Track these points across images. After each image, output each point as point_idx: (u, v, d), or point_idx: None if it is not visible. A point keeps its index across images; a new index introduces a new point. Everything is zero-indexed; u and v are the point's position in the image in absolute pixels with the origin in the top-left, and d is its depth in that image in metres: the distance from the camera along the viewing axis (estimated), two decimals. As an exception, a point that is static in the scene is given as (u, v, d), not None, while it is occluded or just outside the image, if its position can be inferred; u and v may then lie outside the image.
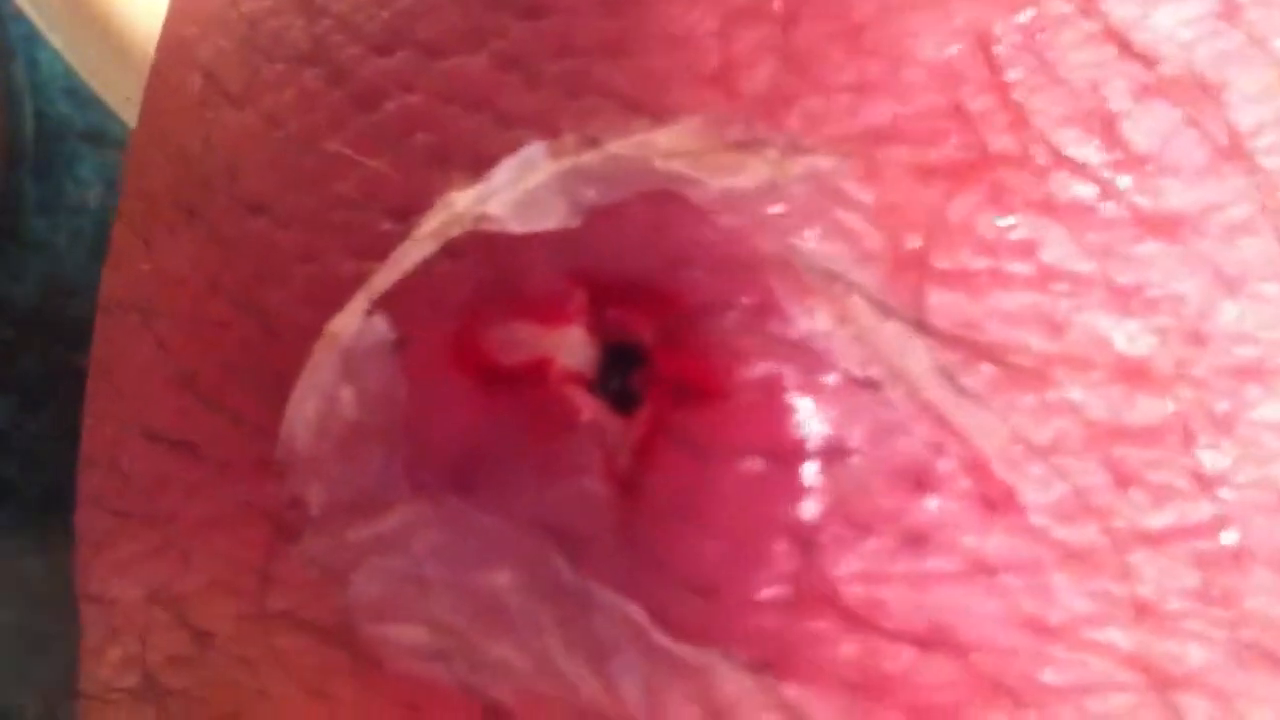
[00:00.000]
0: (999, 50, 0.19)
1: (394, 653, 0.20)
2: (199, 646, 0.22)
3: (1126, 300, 0.19)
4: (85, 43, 0.51)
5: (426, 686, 0.20)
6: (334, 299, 0.21)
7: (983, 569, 0.18)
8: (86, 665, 0.24)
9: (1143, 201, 0.19)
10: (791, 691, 0.18)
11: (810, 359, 0.19)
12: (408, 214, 0.20)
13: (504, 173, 0.20)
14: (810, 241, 0.19)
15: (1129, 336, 0.19)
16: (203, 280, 0.22)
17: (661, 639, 0.18)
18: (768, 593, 0.18)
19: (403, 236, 0.20)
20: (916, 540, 0.18)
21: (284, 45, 0.22)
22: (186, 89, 0.24)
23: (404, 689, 0.20)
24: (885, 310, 0.19)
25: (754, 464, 0.18)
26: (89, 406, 0.25)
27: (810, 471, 0.18)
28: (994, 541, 0.18)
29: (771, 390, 0.19)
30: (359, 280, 0.20)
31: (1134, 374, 0.18)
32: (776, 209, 0.19)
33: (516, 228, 0.20)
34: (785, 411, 0.19)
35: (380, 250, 0.20)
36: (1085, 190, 0.19)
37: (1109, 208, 0.19)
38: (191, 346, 0.22)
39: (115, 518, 0.23)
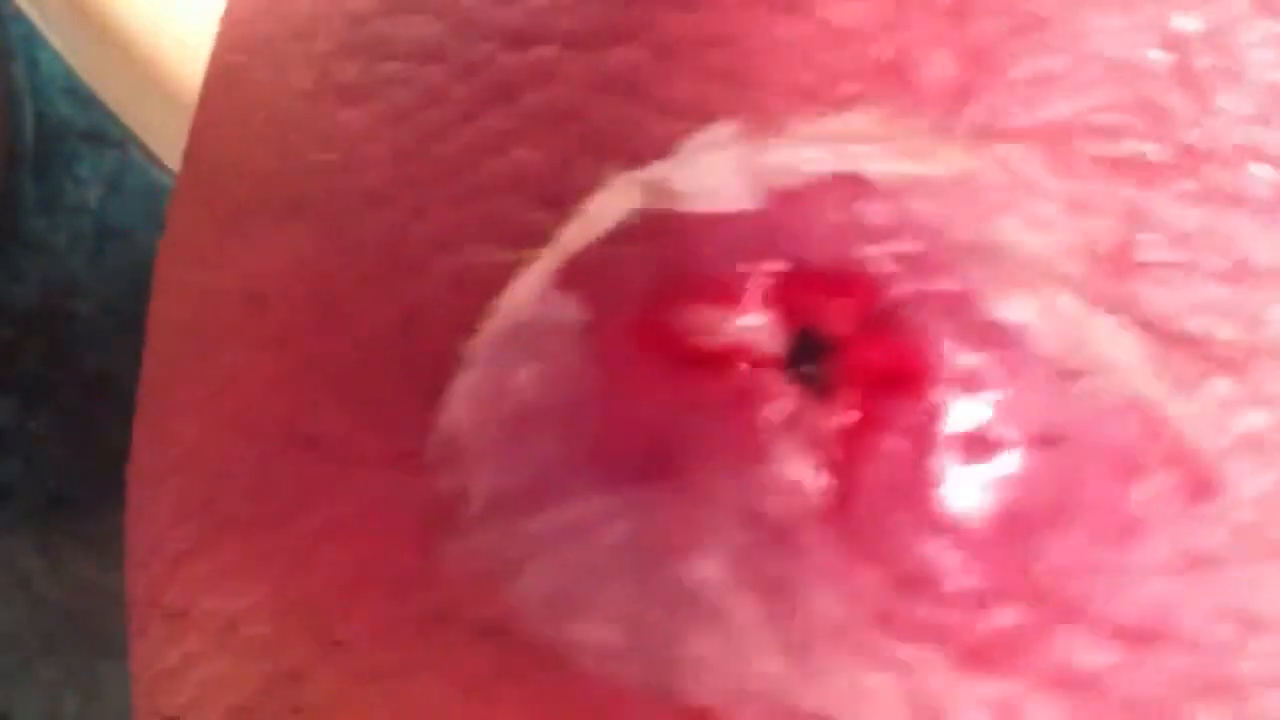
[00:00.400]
0: (1184, 46, 0.19)
1: (578, 652, 0.19)
2: (330, 657, 0.21)
3: None
4: (85, 43, 0.50)
5: (616, 688, 0.19)
6: (485, 287, 0.20)
7: (1193, 561, 0.18)
8: (158, 689, 0.23)
9: None
10: (1004, 688, 0.18)
11: (1016, 349, 0.19)
12: (561, 202, 0.20)
13: (686, 152, 0.19)
14: (1007, 231, 0.19)
15: None
16: (323, 273, 0.22)
17: (871, 634, 0.18)
18: (980, 587, 0.18)
19: (557, 223, 0.20)
20: (1127, 532, 0.18)
21: (399, 43, 0.22)
22: (288, 84, 0.23)
23: (591, 691, 0.19)
24: (1087, 301, 0.19)
25: (966, 455, 0.18)
26: (162, 405, 0.24)
27: (1021, 462, 0.18)
28: (1204, 533, 0.18)
29: (980, 380, 0.18)
30: (510, 267, 0.20)
31: None
32: (971, 197, 0.19)
33: (700, 208, 0.19)
34: (995, 401, 0.18)
35: (535, 238, 0.20)
36: (1276, 185, 0.19)
37: None
38: (316, 338, 0.22)
39: (207, 523, 0.22)
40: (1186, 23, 0.20)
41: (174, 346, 0.25)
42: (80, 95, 0.58)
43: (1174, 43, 0.19)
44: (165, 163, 0.50)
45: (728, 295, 0.19)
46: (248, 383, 0.23)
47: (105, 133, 0.58)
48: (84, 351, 0.57)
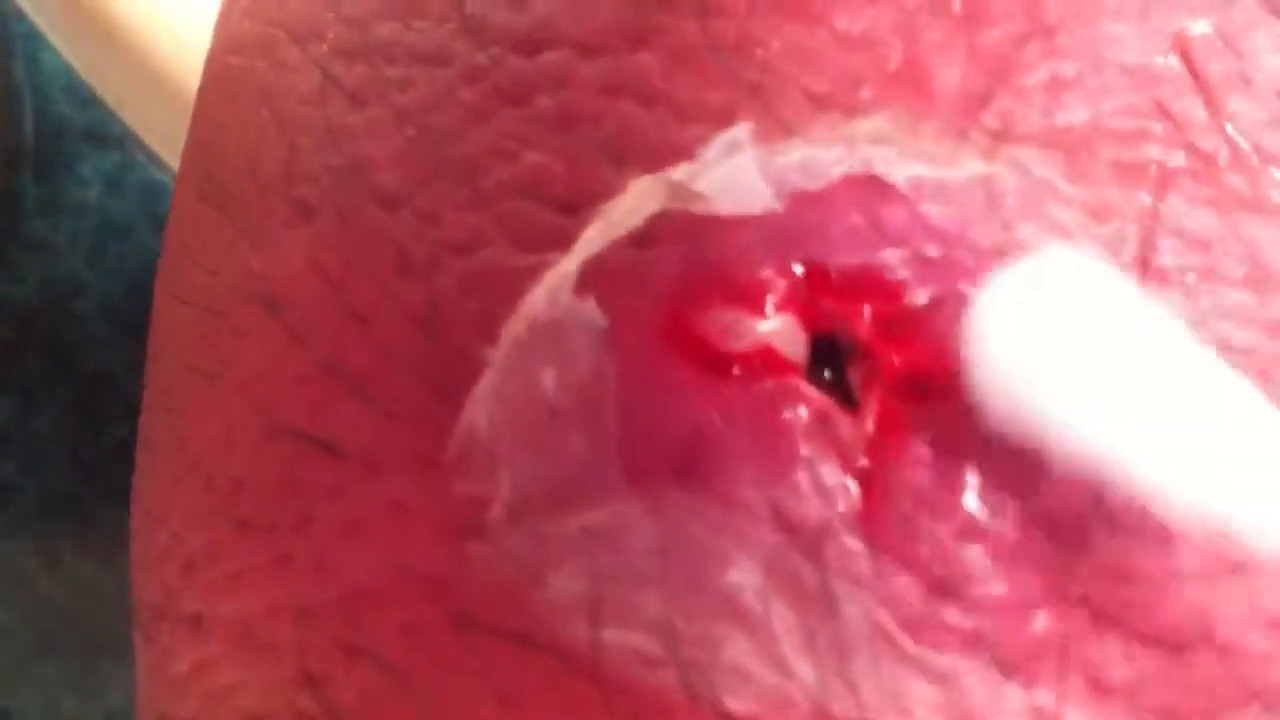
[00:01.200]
0: (1196, 51, 0.19)
1: (614, 658, 0.19)
2: (353, 661, 0.20)
3: None
4: (85, 43, 0.50)
5: (654, 695, 0.19)
6: (504, 290, 0.20)
7: (1229, 568, 0.18)
8: (167, 696, 0.23)
9: None
10: (1042, 696, 0.18)
11: None
12: (578, 206, 0.20)
13: (706, 156, 0.19)
14: (1028, 235, 0.19)
15: None
16: (337, 275, 0.22)
17: (907, 642, 0.18)
18: (1016, 594, 0.18)
19: (576, 226, 0.20)
20: (1164, 538, 0.18)
21: (404, 46, 0.22)
22: (292, 87, 0.23)
23: (629, 698, 0.19)
24: None
25: (1000, 460, 0.18)
26: (174, 407, 0.24)
27: (1056, 467, 0.18)
28: (1240, 539, 0.18)
29: None
30: (529, 271, 0.20)
31: None
32: (989, 201, 0.19)
33: (721, 209, 0.19)
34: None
35: (553, 241, 0.20)
36: None
37: None
38: (334, 340, 0.21)
39: (224, 527, 0.22)
40: (1197, 27, 0.20)
41: (186, 349, 0.24)
42: (80, 95, 0.57)
43: (1185, 48, 0.19)
44: (166, 162, 0.50)
45: (748, 298, 0.19)
46: (267, 385, 0.22)
47: (105, 133, 0.58)
48: (84, 351, 0.56)
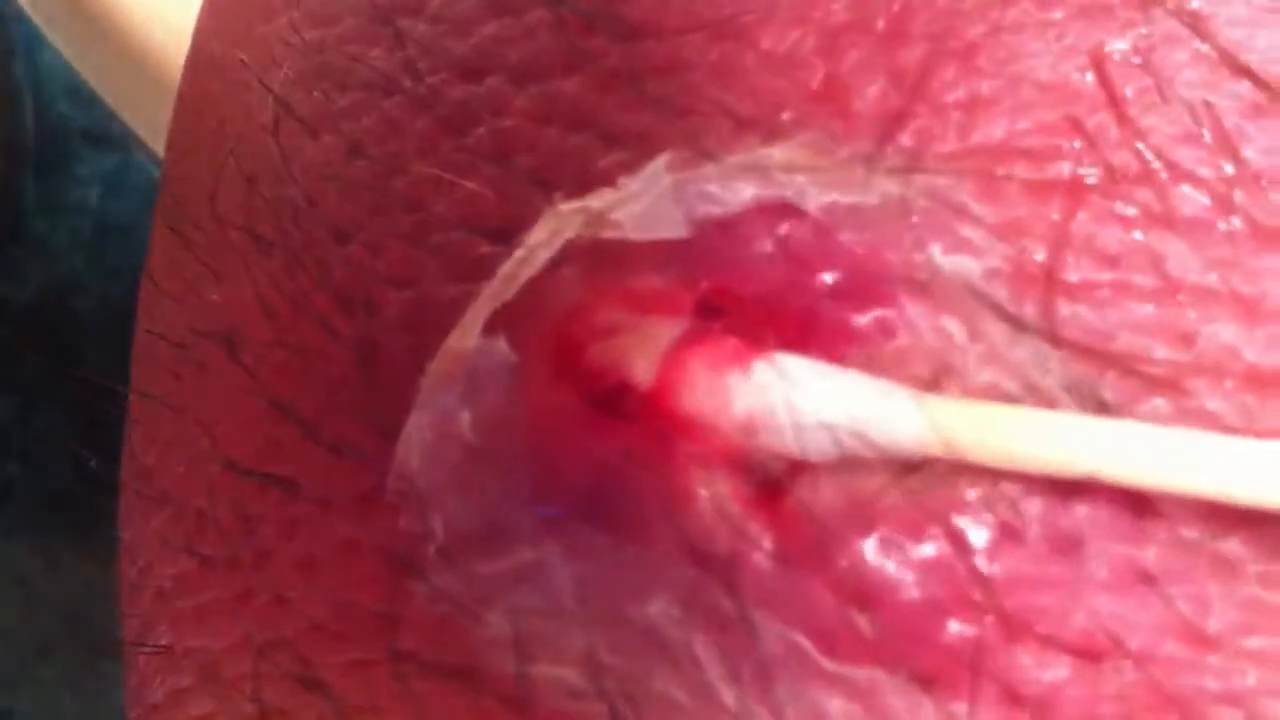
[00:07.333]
0: (1113, 68, 0.20)
1: (544, 693, 0.19)
2: (309, 697, 0.21)
3: (1252, 311, 0.19)
4: (85, 43, 0.50)
5: None
6: (436, 323, 0.20)
7: (1140, 577, 0.18)
8: None
9: (1260, 216, 0.19)
10: (959, 706, 0.18)
11: (948, 375, 0.19)
12: (509, 235, 0.20)
13: (630, 186, 0.20)
14: (936, 257, 0.19)
15: (1257, 346, 0.19)
16: (287, 310, 0.22)
17: (825, 661, 0.18)
18: (929, 606, 0.18)
19: (505, 257, 0.20)
20: (1071, 547, 0.18)
21: (358, 74, 0.22)
22: (251, 115, 0.24)
23: None
24: (1017, 324, 0.19)
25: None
26: (148, 440, 0.25)
27: (962, 482, 0.19)
28: (1147, 549, 0.19)
29: None
30: (461, 303, 0.20)
31: (1266, 383, 0.19)
32: (899, 224, 0.19)
33: (632, 236, 0.19)
34: None
35: (482, 272, 0.20)
36: (1204, 205, 0.19)
37: (1227, 222, 0.19)
38: (284, 376, 0.22)
39: (190, 560, 0.23)
40: (1114, 44, 0.20)
41: (154, 380, 0.25)
42: (81, 95, 0.58)
43: (1101, 64, 0.19)
44: (165, 163, 0.50)
45: (648, 311, 0.19)
46: (226, 424, 0.23)
47: (105, 133, 0.58)
48: (84, 351, 0.57)
